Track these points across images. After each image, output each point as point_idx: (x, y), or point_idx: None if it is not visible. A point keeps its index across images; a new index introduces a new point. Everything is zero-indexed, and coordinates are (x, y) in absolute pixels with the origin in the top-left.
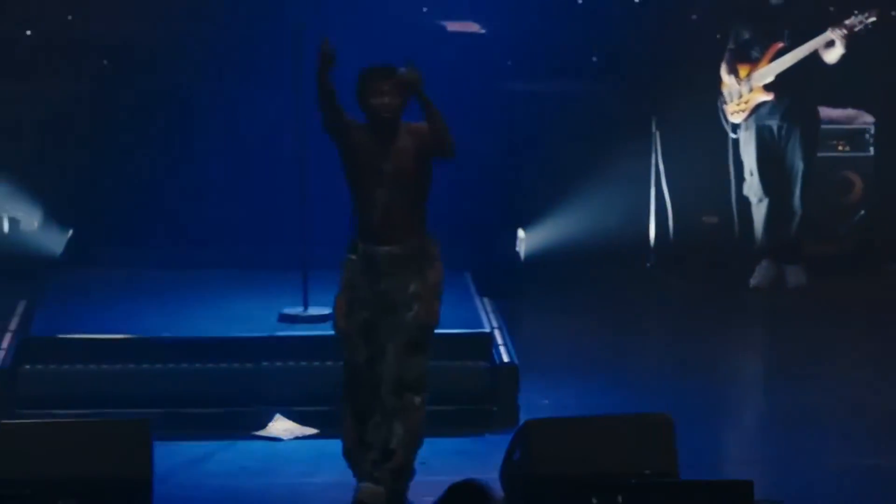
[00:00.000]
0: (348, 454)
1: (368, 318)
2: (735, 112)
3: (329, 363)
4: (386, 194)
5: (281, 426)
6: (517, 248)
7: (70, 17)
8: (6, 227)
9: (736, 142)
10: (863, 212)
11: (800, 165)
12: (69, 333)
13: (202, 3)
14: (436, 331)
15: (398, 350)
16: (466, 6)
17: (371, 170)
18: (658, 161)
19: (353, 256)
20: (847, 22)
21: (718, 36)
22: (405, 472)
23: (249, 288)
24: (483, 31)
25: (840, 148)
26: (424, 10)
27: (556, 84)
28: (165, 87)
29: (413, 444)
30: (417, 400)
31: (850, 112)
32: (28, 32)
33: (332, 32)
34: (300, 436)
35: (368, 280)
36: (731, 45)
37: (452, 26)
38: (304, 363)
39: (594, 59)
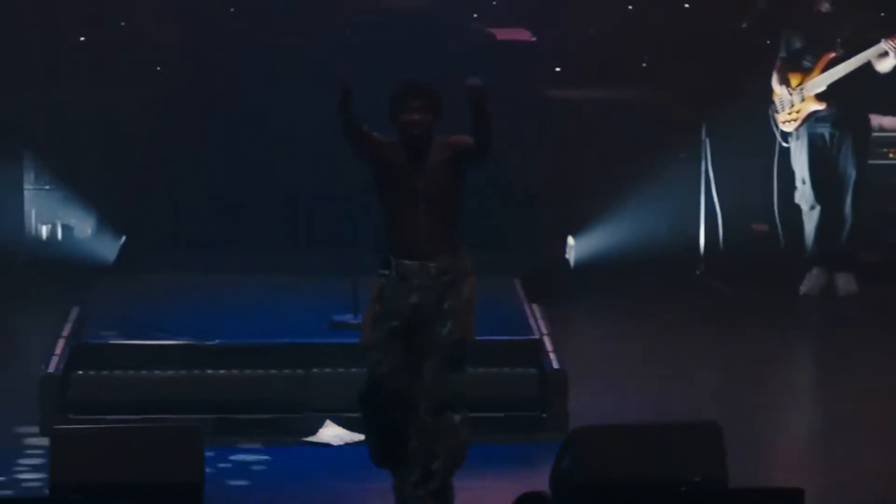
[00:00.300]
0: (375, 460)
1: (396, 327)
2: (787, 121)
3: None
4: (419, 210)
5: (331, 432)
6: (567, 255)
7: (123, 23)
8: (59, 234)
9: (782, 151)
10: None
11: (851, 173)
12: (121, 339)
13: (254, 10)
14: (485, 337)
15: (434, 369)
16: (515, 14)
17: (404, 187)
18: (708, 168)
19: (385, 271)
20: None
21: (768, 41)
22: (445, 491)
23: (300, 294)
24: (532, 38)
25: (891, 156)
26: (475, 15)
27: (605, 91)
28: (218, 93)
29: (455, 464)
30: (457, 418)
31: None
32: (82, 38)
33: (382, 39)
34: (350, 442)
35: (400, 294)
36: (782, 54)
37: (502, 34)
38: (354, 369)
39: (644, 65)
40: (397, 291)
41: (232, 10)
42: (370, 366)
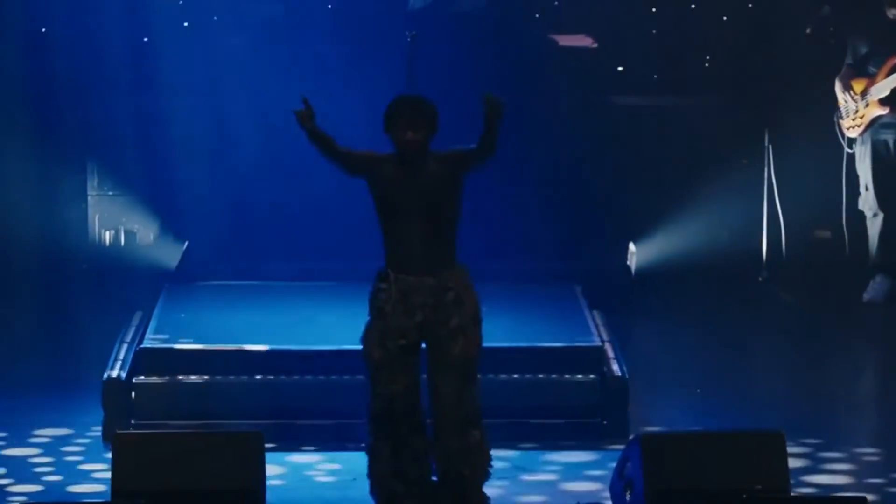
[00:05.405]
0: (384, 491)
1: (404, 345)
2: (851, 127)
3: None
4: (416, 225)
5: None
6: (628, 262)
7: (186, 24)
8: (122, 240)
9: (850, 157)
10: None
11: None
12: (184, 345)
13: (312, 18)
14: (547, 344)
15: (452, 389)
16: (577, 20)
17: (400, 201)
18: (771, 174)
19: (384, 286)
20: None
21: (833, 45)
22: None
23: (362, 301)
24: (594, 44)
25: None
26: (536, 16)
27: (667, 97)
28: (282, 98)
29: (483, 478)
30: (477, 433)
31: None
32: (145, 39)
33: (442, 45)
34: None
35: (403, 310)
36: (848, 61)
37: (564, 40)
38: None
39: (706, 71)
40: (399, 309)
41: (294, 13)
42: (381, 385)
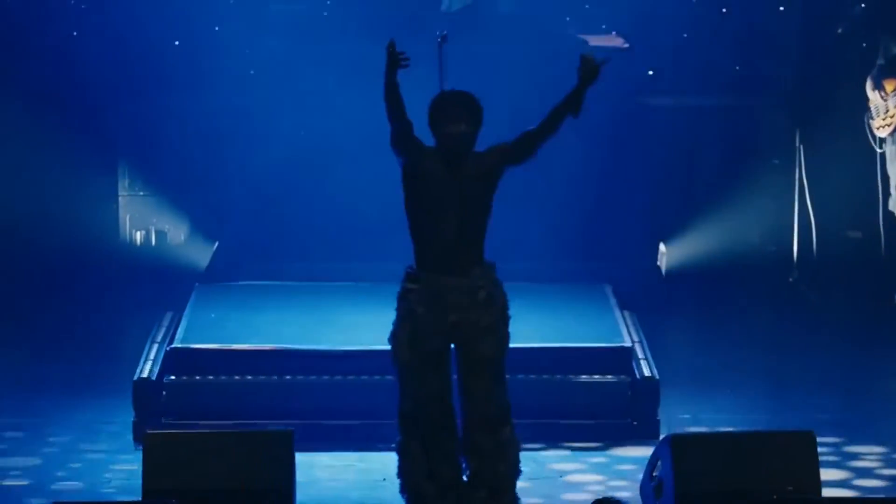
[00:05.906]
0: (414, 490)
1: (438, 348)
2: (881, 127)
3: None
4: (450, 223)
5: None
6: (658, 262)
7: (217, 28)
8: (153, 240)
9: (882, 157)
10: None
11: None
12: (214, 344)
13: (344, 18)
14: (577, 344)
15: (482, 388)
16: (609, 19)
17: (439, 198)
18: (802, 175)
19: (414, 286)
20: None
21: (864, 45)
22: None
23: (391, 301)
24: (626, 45)
25: None
26: (567, 19)
27: (698, 98)
28: (312, 99)
29: (516, 475)
30: (508, 430)
31: None
32: (176, 42)
33: (473, 46)
34: None
35: (435, 311)
36: (879, 61)
37: (595, 40)
38: None
39: (737, 72)
40: (431, 309)
41: (325, 13)
42: (412, 386)
